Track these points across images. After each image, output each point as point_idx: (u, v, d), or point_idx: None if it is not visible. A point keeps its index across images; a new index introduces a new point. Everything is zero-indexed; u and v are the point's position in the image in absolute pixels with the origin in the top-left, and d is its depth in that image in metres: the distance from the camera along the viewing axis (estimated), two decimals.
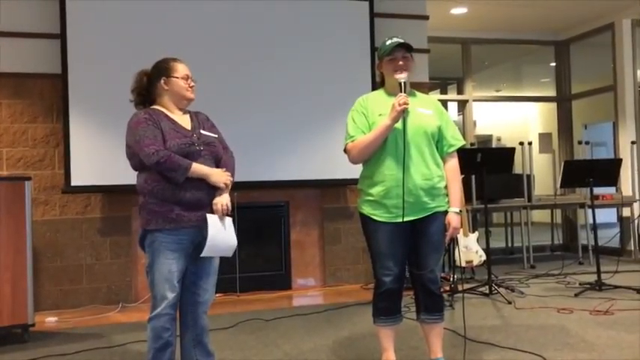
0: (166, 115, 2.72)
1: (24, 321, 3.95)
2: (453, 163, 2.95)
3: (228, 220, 2.68)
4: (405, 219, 2.83)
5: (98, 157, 4.94)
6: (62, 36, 4.95)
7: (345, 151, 2.98)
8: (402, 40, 2.88)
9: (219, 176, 2.66)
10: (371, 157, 2.89)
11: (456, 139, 2.95)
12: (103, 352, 3.71)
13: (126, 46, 5.03)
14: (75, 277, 5.10)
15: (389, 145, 2.84)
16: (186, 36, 5.12)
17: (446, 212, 2.89)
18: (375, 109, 2.91)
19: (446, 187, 2.91)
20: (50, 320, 4.59)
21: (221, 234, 2.63)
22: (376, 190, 2.88)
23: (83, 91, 4.96)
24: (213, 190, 2.66)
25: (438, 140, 2.92)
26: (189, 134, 2.69)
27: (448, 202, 2.91)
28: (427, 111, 2.91)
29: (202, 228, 2.63)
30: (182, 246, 2.63)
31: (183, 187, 2.60)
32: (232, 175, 2.78)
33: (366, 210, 2.92)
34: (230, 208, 2.67)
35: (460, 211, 2.92)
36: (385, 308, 2.97)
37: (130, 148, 2.69)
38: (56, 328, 4.40)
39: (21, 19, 5.03)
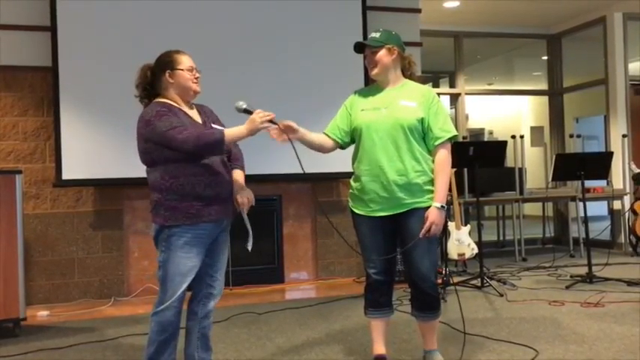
0: (180, 108, 2.68)
1: (15, 315, 3.94)
2: (440, 156, 2.82)
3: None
4: (381, 214, 2.84)
5: (89, 151, 4.91)
6: (53, 28, 4.90)
7: None
8: (370, 38, 2.92)
9: (255, 123, 2.60)
10: (356, 151, 2.95)
11: (444, 131, 2.82)
12: (95, 346, 3.70)
13: (117, 39, 4.99)
14: (66, 271, 5.08)
15: (366, 140, 2.86)
16: (177, 28, 5.09)
17: (428, 208, 2.80)
18: (359, 105, 2.95)
19: (431, 181, 2.83)
20: (42, 314, 4.57)
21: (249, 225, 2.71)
22: (355, 185, 2.95)
23: (74, 84, 4.92)
24: (231, 183, 2.69)
25: (425, 133, 2.85)
26: (200, 127, 2.68)
27: (432, 197, 2.81)
28: (411, 103, 2.83)
29: (221, 222, 2.67)
30: (201, 241, 2.62)
31: (201, 182, 2.58)
32: (243, 167, 2.83)
33: (350, 203, 3.00)
34: (254, 200, 2.72)
35: (442, 206, 2.78)
36: (373, 300, 2.99)
37: (149, 142, 2.57)
38: (48, 323, 4.38)
39: (11, 12, 4.97)
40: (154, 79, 2.73)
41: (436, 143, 2.83)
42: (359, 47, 2.92)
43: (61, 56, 4.90)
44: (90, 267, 5.14)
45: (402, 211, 2.82)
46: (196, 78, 2.75)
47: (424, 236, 2.77)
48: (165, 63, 2.72)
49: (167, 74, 2.69)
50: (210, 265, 2.73)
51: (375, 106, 2.89)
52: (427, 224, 2.76)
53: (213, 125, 2.74)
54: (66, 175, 4.91)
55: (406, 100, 2.86)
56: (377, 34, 2.91)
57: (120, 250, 5.21)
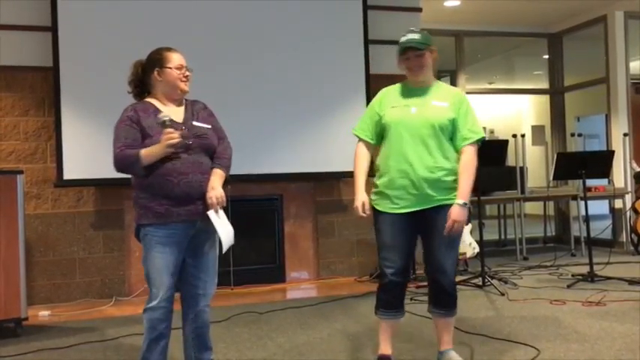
0: (156, 109, 2.67)
1: (17, 315, 3.94)
2: (467, 155, 2.87)
3: (222, 211, 2.66)
4: (406, 210, 2.84)
5: (90, 151, 4.91)
6: (53, 29, 4.90)
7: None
8: (413, 39, 2.87)
9: (165, 142, 2.51)
10: (382, 148, 2.94)
11: (472, 132, 2.88)
12: (97, 345, 3.70)
13: (118, 39, 4.99)
14: (68, 271, 5.09)
15: (394, 136, 2.86)
16: (177, 27, 5.09)
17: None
18: (390, 101, 2.94)
19: (457, 180, 2.87)
20: (43, 314, 4.57)
21: (223, 226, 2.63)
22: (382, 181, 2.92)
23: (75, 84, 4.92)
24: (205, 183, 2.63)
25: (453, 133, 2.90)
26: (178, 127, 2.63)
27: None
28: (442, 104, 2.88)
29: (194, 222, 2.63)
30: (174, 239, 2.61)
31: (171, 181, 2.57)
32: (228, 167, 2.75)
33: (373, 200, 2.95)
34: (225, 200, 2.65)
35: (465, 203, 2.82)
36: (386, 301, 2.96)
37: None
38: (49, 322, 4.38)
39: (12, 12, 4.98)
40: (144, 76, 2.73)
41: (464, 144, 2.89)
42: (404, 49, 2.88)
43: (62, 56, 4.90)
44: (91, 267, 5.15)
45: (429, 206, 2.85)
46: (185, 77, 2.71)
47: (447, 233, 2.81)
48: (155, 60, 2.70)
49: (156, 72, 2.69)
50: (194, 266, 2.71)
51: (406, 104, 2.90)
52: (450, 221, 2.79)
53: (194, 123, 2.69)
54: (67, 175, 4.91)
55: (438, 100, 2.89)
56: (418, 36, 2.89)
57: (121, 250, 5.21)
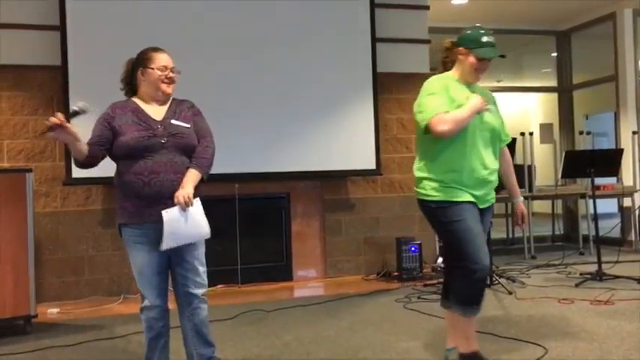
0: (136, 107, 2.69)
1: (26, 312, 3.97)
2: (508, 156, 3.10)
3: (195, 208, 2.60)
4: (480, 207, 2.87)
5: None
6: (62, 28, 4.93)
7: (429, 126, 2.74)
8: (496, 51, 2.85)
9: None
10: (448, 143, 2.79)
11: (508, 134, 3.04)
12: (105, 343, 3.72)
13: (126, 38, 4.99)
14: (76, 268, 5.12)
15: (469, 135, 2.78)
16: (186, 26, 5.10)
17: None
18: (457, 96, 2.81)
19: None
20: (52, 312, 4.60)
21: (182, 226, 2.56)
22: (451, 177, 2.80)
23: (83, 83, 4.94)
24: (177, 182, 2.59)
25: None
26: (154, 126, 2.63)
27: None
28: (492, 107, 2.90)
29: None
30: (149, 239, 2.61)
31: (140, 180, 2.58)
32: (205, 167, 2.67)
33: (442, 195, 2.80)
34: (192, 198, 2.58)
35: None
36: (476, 295, 2.83)
37: None
38: (58, 320, 4.41)
39: (21, 11, 5.01)
40: (132, 75, 2.75)
41: (503, 145, 3.02)
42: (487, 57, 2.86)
43: (71, 55, 4.92)
44: (100, 265, 5.17)
45: (485, 205, 2.93)
46: (168, 78, 2.70)
47: (522, 228, 3.10)
48: (140, 60, 2.72)
49: (140, 72, 2.71)
50: (179, 265, 2.69)
51: (463, 103, 2.80)
52: (523, 216, 3.11)
53: (172, 122, 2.67)
54: (76, 173, 4.92)
55: (490, 104, 2.88)
56: (493, 39, 2.87)
57: None
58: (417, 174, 2.92)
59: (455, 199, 2.80)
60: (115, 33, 5.02)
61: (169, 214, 2.55)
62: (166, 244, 2.56)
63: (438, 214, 2.84)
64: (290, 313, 4.37)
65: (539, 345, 3.33)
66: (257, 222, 5.62)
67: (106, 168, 2.80)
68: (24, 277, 3.95)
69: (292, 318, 4.21)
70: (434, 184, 2.84)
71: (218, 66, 5.20)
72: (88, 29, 4.99)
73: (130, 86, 2.78)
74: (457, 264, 2.83)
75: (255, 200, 5.58)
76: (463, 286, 2.83)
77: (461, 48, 2.89)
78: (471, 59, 2.85)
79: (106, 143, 2.64)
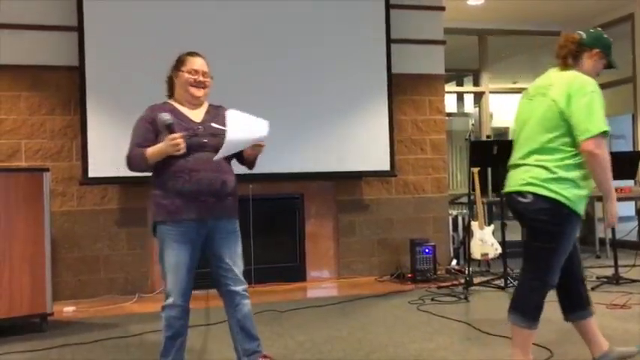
0: (174, 109, 2.75)
1: (42, 310, 4.01)
2: None
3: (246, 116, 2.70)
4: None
5: (115, 149, 4.93)
6: (79, 28, 4.97)
7: (590, 138, 2.68)
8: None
9: (169, 143, 2.58)
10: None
11: None
12: (120, 341, 3.75)
13: (143, 39, 5.05)
14: (92, 267, 5.16)
15: None
16: (203, 27, 5.13)
17: None
18: None
19: None
20: (68, 310, 4.65)
21: (243, 127, 2.65)
22: (585, 183, 2.73)
23: (100, 83, 4.99)
24: (216, 181, 2.67)
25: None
26: (194, 126, 2.71)
27: None
28: None
29: (205, 220, 2.66)
30: (186, 237, 2.66)
31: (181, 178, 2.62)
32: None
33: (575, 205, 2.70)
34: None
35: None
36: (542, 307, 2.87)
37: None
38: (74, 318, 4.46)
39: (38, 12, 5.06)
40: (171, 77, 2.84)
41: None
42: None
43: (88, 56, 4.97)
44: (115, 264, 5.21)
45: None
46: (197, 82, 2.75)
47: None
48: (176, 63, 2.80)
49: (173, 74, 2.79)
50: (218, 266, 2.74)
51: None
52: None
53: (212, 124, 2.74)
54: (92, 173, 4.98)
55: None
56: None
57: (144, 248, 5.27)
58: (560, 173, 2.66)
59: (579, 212, 2.71)
60: (132, 34, 5.07)
61: (231, 115, 2.63)
62: (226, 146, 2.59)
63: (568, 222, 2.72)
64: (303, 313, 4.37)
65: (546, 348, 3.33)
66: (271, 222, 5.63)
67: (121, 168, 2.83)
68: (40, 276, 3.99)
69: (306, 318, 4.21)
70: (576, 192, 2.68)
71: (233, 67, 5.21)
72: (106, 30, 5.03)
73: (170, 88, 2.86)
74: (532, 277, 2.83)
75: (269, 201, 5.60)
76: (538, 299, 2.82)
77: (598, 50, 2.82)
78: (603, 64, 2.83)
79: (151, 144, 2.69)
